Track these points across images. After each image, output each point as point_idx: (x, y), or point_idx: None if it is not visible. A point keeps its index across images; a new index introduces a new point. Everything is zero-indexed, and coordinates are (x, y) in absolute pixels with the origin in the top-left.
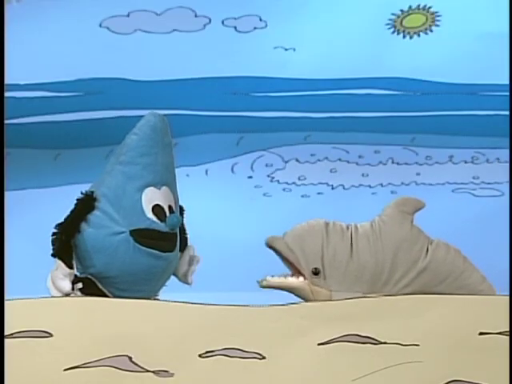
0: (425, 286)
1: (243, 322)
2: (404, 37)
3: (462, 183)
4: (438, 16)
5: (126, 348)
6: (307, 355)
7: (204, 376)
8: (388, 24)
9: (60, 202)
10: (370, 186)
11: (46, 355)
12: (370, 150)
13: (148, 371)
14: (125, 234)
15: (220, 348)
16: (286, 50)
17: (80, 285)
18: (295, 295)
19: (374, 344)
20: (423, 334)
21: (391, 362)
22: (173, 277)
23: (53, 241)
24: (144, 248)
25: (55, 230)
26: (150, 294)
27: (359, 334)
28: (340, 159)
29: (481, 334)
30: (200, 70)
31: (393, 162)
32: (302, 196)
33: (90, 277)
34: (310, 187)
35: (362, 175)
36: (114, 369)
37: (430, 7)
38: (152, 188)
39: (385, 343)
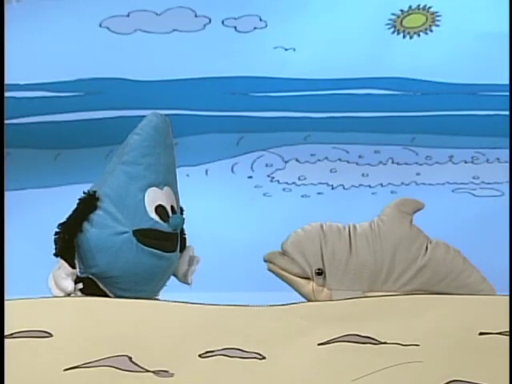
0: (424, 285)
1: (243, 322)
2: (404, 37)
3: (462, 183)
4: (438, 16)
5: (126, 348)
6: (307, 355)
7: (204, 376)
8: (388, 24)
9: (60, 202)
10: (370, 186)
11: (46, 355)
12: (369, 150)
13: (148, 371)
14: (128, 234)
15: (220, 348)
16: (286, 50)
17: (80, 285)
18: (295, 290)
19: (374, 344)
20: (423, 333)
21: (391, 362)
22: (172, 277)
23: (55, 240)
24: (147, 248)
25: (58, 230)
26: (151, 294)
27: (359, 334)
28: (340, 159)
29: (481, 334)
30: (200, 70)
31: (393, 162)
32: (302, 196)
33: (91, 276)
34: (309, 187)
35: (362, 175)
36: (113, 369)
37: (430, 7)
38: (155, 188)
39: (385, 343)
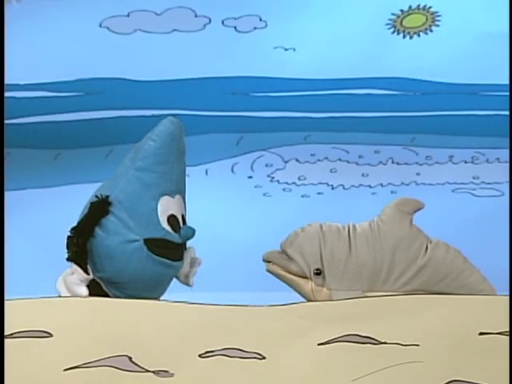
0: (424, 284)
1: (243, 322)
2: (404, 37)
3: (462, 183)
4: (438, 16)
5: (126, 348)
6: (307, 355)
7: (204, 376)
8: (388, 24)
9: (60, 202)
10: (370, 186)
11: (46, 355)
12: (369, 150)
13: (148, 371)
14: (139, 243)
15: (220, 348)
16: (286, 50)
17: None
18: (295, 289)
19: (374, 344)
20: (423, 334)
21: (391, 362)
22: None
23: (68, 245)
24: (157, 257)
25: (70, 234)
26: (153, 298)
27: (359, 334)
28: (340, 159)
29: (481, 334)
30: (200, 70)
31: (393, 162)
32: (302, 196)
33: (94, 278)
34: (309, 187)
35: (362, 175)
36: (113, 369)
37: (430, 7)
38: (167, 197)
39: (385, 343)
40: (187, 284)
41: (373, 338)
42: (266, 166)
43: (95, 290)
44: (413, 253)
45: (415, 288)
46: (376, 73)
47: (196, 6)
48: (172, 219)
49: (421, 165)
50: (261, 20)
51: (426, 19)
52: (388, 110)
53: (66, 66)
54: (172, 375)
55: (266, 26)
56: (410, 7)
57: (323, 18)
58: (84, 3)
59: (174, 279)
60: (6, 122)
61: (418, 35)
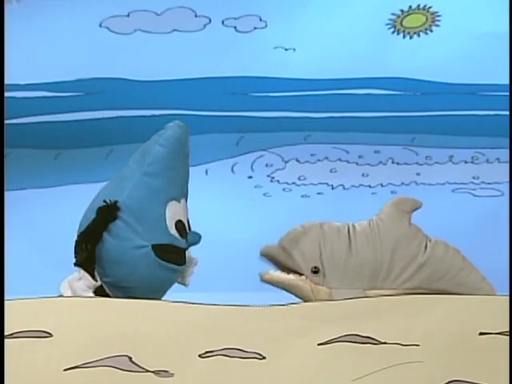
0: (424, 282)
1: (243, 322)
2: (404, 37)
3: (462, 183)
4: (438, 16)
5: (126, 348)
6: (307, 355)
7: (204, 376)
8: (388, 24)
9: (60, 202)
10: (370, 186)
11: (45, 355)
12: (369, 150)
13: (148, 371)
14: (147, 249)
15: (220, 348)
16: (286, 50)
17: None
18: (294, 294)
19: (374, 344)
20: (423, 334)
21: (391, 362)
22: None
23: (76, 250)
24: (163, 262)
25: (79, 239)
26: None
27: (359, 334)
28: (340, 159)
29: (481, 334)
30: (200, 70)
31: (393, 162)
32: (302, 196)
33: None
34: (309, 187)
35: (362, 175)
36: (113, 369)
37: (430, 7)
38: (174, 202)
39: (385, 343)
40: (183, 284)
41: (373, 338)
42: (266, 166)
43: (98, 292)
44: (412, 251)
45: (415, 286)
46: (376, 73)
47: (196, 6)
48: (179, 225)
49: (421, 165)
50: (261, 20)
51: (426, 19)
52: (388, 110)
53: (66, 66)
54: (172, 375)
55: (266, 26)
56: (410, 7)
57: (323, 18)
58: (84, 3)
59: (178, 284)
60: (6, 121)
61: (418, 35)
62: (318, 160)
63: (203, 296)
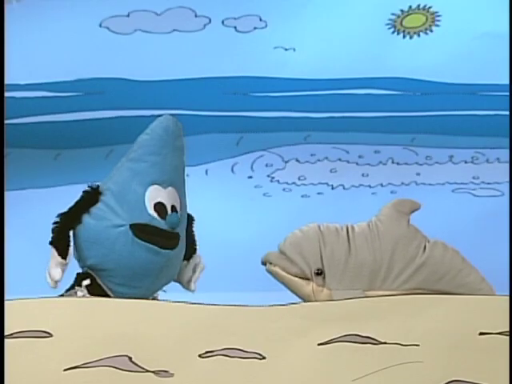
0: (423, 283)
1: (243, 322)
2: (404, 37)
3: (462, 183)
4: (438, 16)
5: (126, 348)
6: (307, 355)
7: (204, 376)
8: (388, 24)
9: (60, 202)
10: (370, 186)
11: (46, 355)
12: (369, 150)
13: (148, 371)
14: (124, 227)
15: (220, 348)
16: (286, 50)
17: (87, 281)
18: (294, 293)
19: (374, 344)
20: (423, 333)
21: (391, 362)
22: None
23: (52, 229)
24: (142, 242)
25: (56, 219)
26: (147, 292)
27: (359, 334)
28: (340, 159)
29: (481, 334)
30: (200, 70)
31: (393, 162)
32: (302, 196)
33: (89, 271)
34: (310, 187)
35: (362, 175)
36: (113, 369)
37: (430, 7)
38: (157, 186)
39: (385, 343)
40: (189, 289)
41: (373, 338)
42: (266, 166)
43: (95, 290)
44: (411, 251)
45: (414, 286)
46: (376, 73)
47: (196, 6)
48: (159, 206)
49: (421, 165)
50: (261, 20)
51: (426, 19)
52: (388, 110)
53: (66, 66)
54: (172, 375)
55: (266, 26)
56: (410, 7)
57: (323, 18)
58: (84, 3)
59: (178, 284)
60: (6, 121)
61: (418, 35)
62: (318, 160)
63: (203, 296)
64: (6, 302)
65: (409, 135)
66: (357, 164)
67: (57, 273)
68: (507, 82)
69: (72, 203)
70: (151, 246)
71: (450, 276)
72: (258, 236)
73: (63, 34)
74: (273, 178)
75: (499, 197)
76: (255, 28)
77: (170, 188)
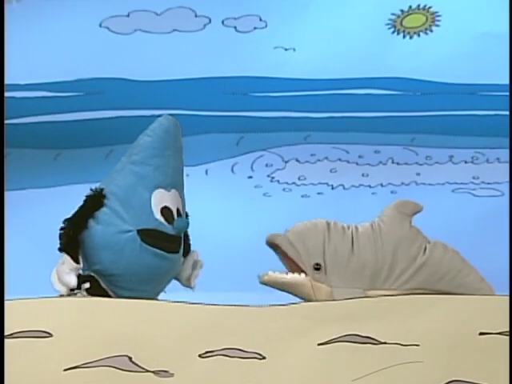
0: (424, 283)
1: (243, 322)
2: (404, 37)
3: (462, 183)
4: (438, 16)
5: (126, 348)
6: (307, 355)
7: (204, 376)
8: (388, 24)
9: (60, 202)
10: (370, 186)
11: (46, 355)
12: (369, 150)
13: (148, 371)
14: (132, 233)
15: (220, 348)
16: (286, 50)
17: (87, 284)
18: (294, 294)
19: (374, 344)
20: (423, 333)
21: (391, 362)
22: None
23: (60, 235)
24: (150, 248)
25: (63, 225)
26: (151, 295)
27: (359, 334)
28: (340, 159)
29: (481, 334)
30: (200, 70)
31: (393, 162)
32: (302, 196)
33: (92, 274)
34: (310, 187)
35: (362, 175)
36: (113, 369)
37: (430, 7)
38: (162, 190)
39: (385, 343)
40: (189, 286)
41: (373, 338)
42: (266, 166)
43: (95, 289)
44: (413, 252)
45: (415, 287)
46: (376, 73)
47: (196, 6)
48: (165, 211)
49: (421, 165)
50: (261, 20)
51: (426, 19)
52: (388, 110)
53: (66, 66)
54: (172, 375)
55: (266, 26)
56: (410, 7)
57: (323, 18)
58: (84, 3)
59: (178, 284)
60: (6, 121)
61: (418, 35)
62: (318, 160)
63: (203, 296)
64: (6, 302)
65: (409, 135)
66: (357, 164)
67: (72, 279)
68: (507, 81)
69: (76, 208)
70: (158, 251)
71: (449, 276)
72: (258, 236)
73: (63, 34)
74: (273, 178)
75: (499, 197)
76: (255, 28)
77: (173, 190)
